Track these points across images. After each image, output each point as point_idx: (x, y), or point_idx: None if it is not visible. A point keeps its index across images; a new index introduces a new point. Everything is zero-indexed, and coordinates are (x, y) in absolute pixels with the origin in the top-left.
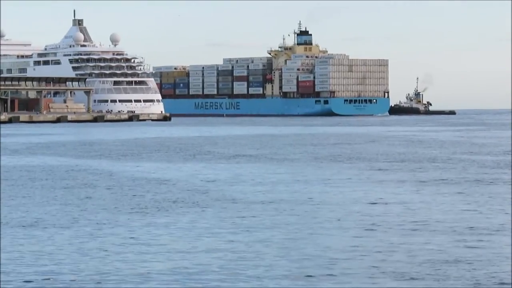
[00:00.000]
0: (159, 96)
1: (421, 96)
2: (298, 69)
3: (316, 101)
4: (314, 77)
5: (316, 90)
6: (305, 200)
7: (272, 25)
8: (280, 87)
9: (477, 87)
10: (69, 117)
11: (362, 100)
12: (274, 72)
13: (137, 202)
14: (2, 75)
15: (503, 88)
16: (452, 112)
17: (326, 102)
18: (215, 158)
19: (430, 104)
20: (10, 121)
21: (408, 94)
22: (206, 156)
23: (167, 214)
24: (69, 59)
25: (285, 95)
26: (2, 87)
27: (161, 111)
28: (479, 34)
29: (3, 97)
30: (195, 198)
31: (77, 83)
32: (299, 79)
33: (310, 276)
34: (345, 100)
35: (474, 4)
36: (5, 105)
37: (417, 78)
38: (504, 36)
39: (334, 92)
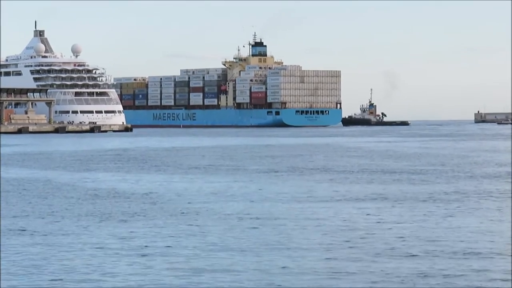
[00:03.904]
0: (120, 107)
1: (374, 107)
2: (251, 80)
3: (268, 112)
4: (266, 88)
5: (268, 101)
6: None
7: (229, 36)
8: (234, 98)
9: (430, 99)
10: (31, 128)
11: (313, 111)
12: (228, 83)
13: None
14: None
15: (454, 100)
16: (404, 123)
17: (277, 113)
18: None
19: (385, 115)
20: None
21: (362, 105)
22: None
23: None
24: (30, 70)
25: (238, 106)
26: None
27: (123, 122)
28: (442, 46)
29: None
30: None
31: (38, 94)
32: (252, 90)
33: None
34: (297, 111)
35: (427, 14)
36: None
37: (371, 89)
38: (461, 48)
39: (285, 103)
